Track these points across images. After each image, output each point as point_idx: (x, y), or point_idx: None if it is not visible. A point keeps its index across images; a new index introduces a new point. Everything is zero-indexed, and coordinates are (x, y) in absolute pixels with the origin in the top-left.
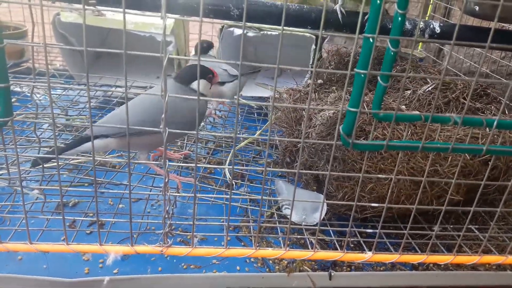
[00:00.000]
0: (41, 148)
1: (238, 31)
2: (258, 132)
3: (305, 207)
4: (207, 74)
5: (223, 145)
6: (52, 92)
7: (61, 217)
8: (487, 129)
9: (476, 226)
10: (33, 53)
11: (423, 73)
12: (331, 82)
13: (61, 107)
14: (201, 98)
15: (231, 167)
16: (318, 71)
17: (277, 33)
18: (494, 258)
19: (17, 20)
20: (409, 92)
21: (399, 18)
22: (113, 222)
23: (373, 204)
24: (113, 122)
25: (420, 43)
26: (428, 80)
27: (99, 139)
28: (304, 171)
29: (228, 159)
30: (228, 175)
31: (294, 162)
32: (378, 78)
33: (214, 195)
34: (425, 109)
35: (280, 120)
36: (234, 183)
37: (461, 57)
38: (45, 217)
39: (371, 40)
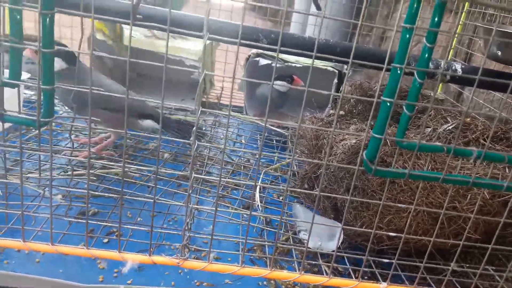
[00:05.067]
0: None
1: (263, 61)
2: (285, 161)
3: (321, 234)
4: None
5: (242, 167)
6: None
7: (83, 222)
8: (507, 170)
9: (494, 268)
10: (78, 59)
11: (445, 112)
12: (352, 115)
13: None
14: None
15: (253, 182)
16: (344, 97)
17: (301, 65)
18: None
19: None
20: (429, 129)
21: (427, 51)
22: (131, 234)
23: (390, 234)
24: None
25: (440, 86)
26: (449, 119)
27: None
28: (324, 193)
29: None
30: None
31: (313, 190)
32: (404, 107)
33: (233, 211)
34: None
35: (302, 147)
36: (251, 204)
37: (481, 101)
38: (68, 219)
39: (399, 71)
